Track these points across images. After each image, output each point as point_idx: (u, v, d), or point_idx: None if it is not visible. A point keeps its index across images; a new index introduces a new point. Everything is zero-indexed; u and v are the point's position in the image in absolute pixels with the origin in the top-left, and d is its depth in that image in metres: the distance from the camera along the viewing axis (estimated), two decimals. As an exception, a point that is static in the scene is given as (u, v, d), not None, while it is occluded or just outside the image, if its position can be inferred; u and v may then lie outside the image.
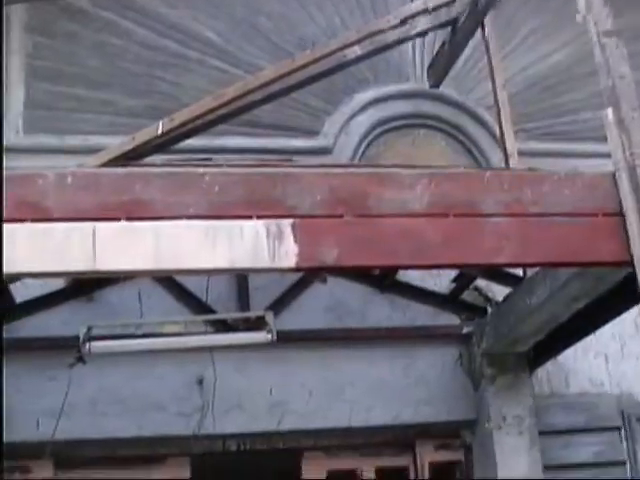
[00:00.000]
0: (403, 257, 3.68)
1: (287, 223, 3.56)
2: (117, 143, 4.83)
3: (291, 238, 3.53)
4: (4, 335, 5.29)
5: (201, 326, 5.43)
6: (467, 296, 5.86)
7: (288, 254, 3.52)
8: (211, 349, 5.33)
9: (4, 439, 5.16)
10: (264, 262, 3.53)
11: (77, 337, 4.92)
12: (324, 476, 5.69)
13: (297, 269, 3.61)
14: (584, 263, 3.99)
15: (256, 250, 3.52)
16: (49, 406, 5.22)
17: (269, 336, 4.88)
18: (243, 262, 3.54)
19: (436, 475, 5.81)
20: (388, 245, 3.65)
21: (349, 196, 3.67)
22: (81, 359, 5.08)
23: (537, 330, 5.18)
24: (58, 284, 5.41)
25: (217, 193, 3.60)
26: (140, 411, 5.33)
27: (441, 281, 5.88)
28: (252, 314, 5.39)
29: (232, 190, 3.62)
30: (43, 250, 3.48)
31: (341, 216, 3.63)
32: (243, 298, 5.59)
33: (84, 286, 5.41)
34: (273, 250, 3.52)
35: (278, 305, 5.43)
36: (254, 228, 3.55)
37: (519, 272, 5.35)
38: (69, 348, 5.12)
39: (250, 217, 3.57)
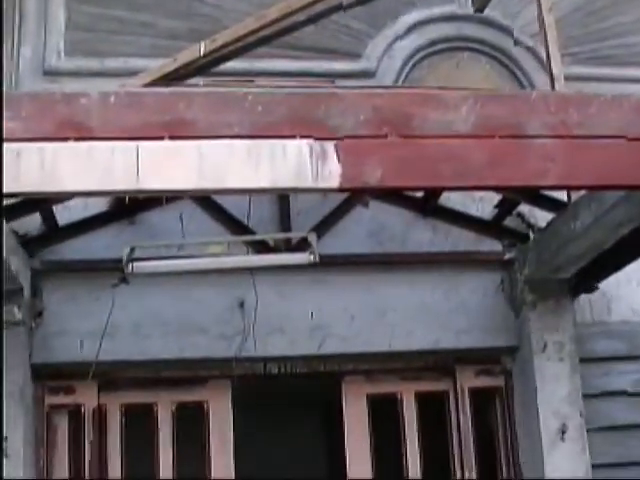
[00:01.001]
0: (447, 178, 3.65)
1: (330, 143, 3.52)
2: (158, 65, 4.80)
3: (334, 158, 3.50)
4: (47, 258, 5.36)
5: (244, 248, 5.44)
6: (510, 222, 5.80)
7: (332, 174, 3.49)
8: (252, 272, 5.33)
9: (50, 360, 5.31)
10: (307, 182, 3.51)
11: (120, 259, 4.94)
12: (364, 400, 5.72)
13: (340, 189, 3.59)
14: (630, 186, 3.94)
15: (299, 170, 3.50)
16: (93, 328, 5.26)
17: (312, 257, 4.85)
18: (286, 182, 3.53)
19: (476, 401, 5.82)
20: (432, 166, 3.61)
21: (393, 116, 3.62)
22: (124, 280, 5.10)
23: (580, 256, 5.13)
24: (100, 207, 5.44)
25: (260, 113, 3.56)
26: (182, 333, 5.38)
27: (484, 207, 5.83)
28: (295, 235, 5.38)
29: (275, 110, 3.58)
30: (86, 169, 3.48)
31: (385, 136, 3.58)
32: (285, 222, 5.58)
33: (126, 209, 5.43)
34: (316, 170, 3.49)
35: (320, 229, 5.38)
36: (297, 148, 3.52)
37: (563, 197, 5.30)
38: (112, 270, 5.16)
39: (293, 137, 3.53)
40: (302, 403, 8.78)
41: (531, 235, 5.66)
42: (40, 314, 5.34)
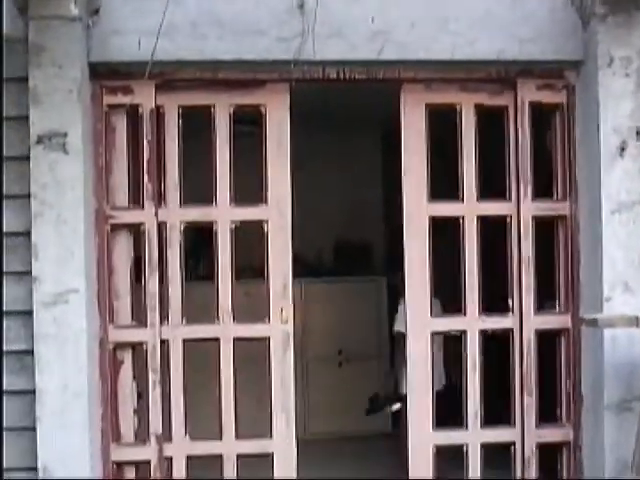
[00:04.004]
0: None
1: None
2: None
3: None
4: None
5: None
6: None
7: None
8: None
9: (107, 59, 5.26)
10: None
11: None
12: (422, 109, 5.67)
13: None
14: None
15: None
16: (150, 26, 5.17)
17: None
18: None
19: (536, 116, 5.74)
20: None
21: None
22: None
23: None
24: None
25: None
26: (240, 34, 5.30)
27: None
28: None
29: None
30: None
31: None
32: None
33: None
34: None
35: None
36: None
37: None
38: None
39: None
40: (361, 118, 8.79)
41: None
42: (97, 11, 5.27)
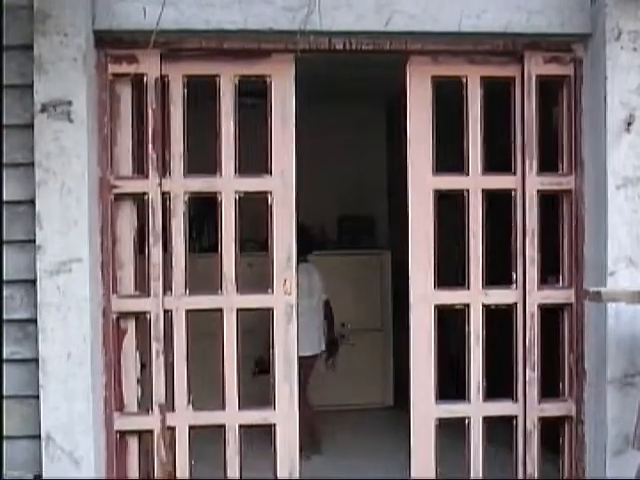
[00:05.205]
0: None
1: None
2: None
3: None
4: None
5: None
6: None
7: None
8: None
9: (113, 27, 5.23)
10: None
11: None
12: (428, 82, 5.63)
13: None
14: None
15: None
16: (155, -3, 5.16)
17: None
18: None
19: (543, 90, 5.70)
20: None
21: None
22: None
23: None
24: None
25: None
26: (246, 3, 5.25)
27: None
28: None
29: None
30: None
31: None
32: None
33: None
34: None
35: None
36: None
37: None
38: None
39: None
40: (366, 91, 8.78)
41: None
42: (101, -22, 5.24)
